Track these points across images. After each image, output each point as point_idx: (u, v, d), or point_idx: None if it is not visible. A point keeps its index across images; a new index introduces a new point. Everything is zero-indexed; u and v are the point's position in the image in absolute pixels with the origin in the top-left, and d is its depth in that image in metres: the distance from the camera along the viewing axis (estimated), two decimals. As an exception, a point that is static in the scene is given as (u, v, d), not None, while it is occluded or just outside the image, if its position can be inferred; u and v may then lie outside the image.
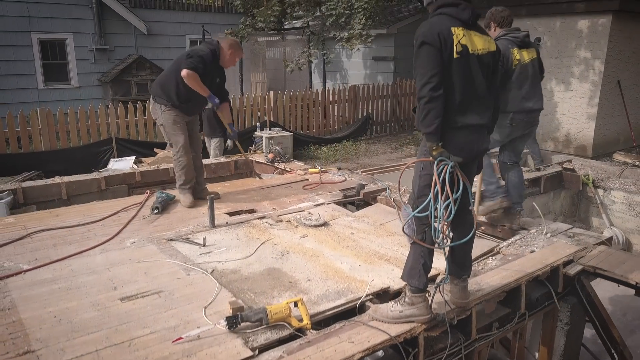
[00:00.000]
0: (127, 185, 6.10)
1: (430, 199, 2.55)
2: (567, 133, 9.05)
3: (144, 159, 8.43)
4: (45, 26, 12.35)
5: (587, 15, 8.43)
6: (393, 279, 3.30)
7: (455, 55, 2.50)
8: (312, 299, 2.99)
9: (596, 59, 8.46)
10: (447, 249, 2.75)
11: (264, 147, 9.46)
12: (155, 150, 8.71)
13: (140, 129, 8.98)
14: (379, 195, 5.14)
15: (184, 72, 4.26)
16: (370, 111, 11.94)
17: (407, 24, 12.76)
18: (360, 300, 2.99)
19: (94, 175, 5.89)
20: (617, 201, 6.31)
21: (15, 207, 5.38)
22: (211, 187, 5.26)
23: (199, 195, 4.92)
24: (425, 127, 2.53)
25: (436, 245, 2.67)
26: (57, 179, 5.68)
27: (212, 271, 3.32)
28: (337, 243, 3.87)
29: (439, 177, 2.54)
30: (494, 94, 2.74)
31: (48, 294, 3.00)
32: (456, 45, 2.50)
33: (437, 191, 2.53)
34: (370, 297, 3.06)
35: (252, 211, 4.60)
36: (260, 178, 5.69)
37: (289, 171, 6.20)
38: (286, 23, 9.79)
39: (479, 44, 2.60)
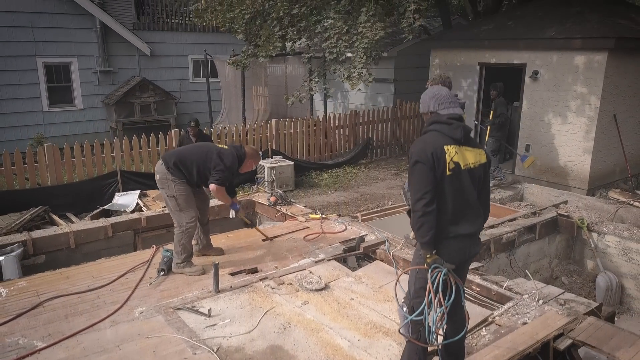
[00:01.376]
0: (133, 230, 6.29)
1: (425, 304, 2.72)
2: (564, 165, 9.20)
3: (148, 192, 8.62)
4: (50, 50, 12.52)
5: (583, 51, 8.57)
6: (390, 356, 3.46)
7: (447, 173, 2.66)
8: (312, 384, 3.15)
9: (592, 95, 8.60)
10: (440, 346, 2.91)
11: (266, 177, 9.64)
12: (159, 182, 8.88)
13: (144, 159, 9.13)
14: (378, 248, 5.30)
15: (213, 186, 4.55)
16: (370, 135, 12.09)
17: (408, 47, 12.89)
18: (358, 386, 3.15)
19: (101, 222, 6.07)
20: (610, 245, 6.46)
21: (25, 258, 5.57)
22: (215, 239, 5.42)
23: (204, 252, 5.09)
24: (420, 238, 2.69)
25: (429, 343, 2.84)
26: (65, 228, 5.87)
27: (218, 349, 3.48)
28: (337, 312, 4.03)
29: (433, 284, 2.70)
30: (484, 202, 2.90)
31: (62, 378, 3.17)
32: (448, 163, 2.66)
33: (432, 297, 2.70)
34: (368, 380, 3.22)
35: (254, 271, 4.76)
36: (250, 225, 5.60)
37: (290, 216, 6.36)
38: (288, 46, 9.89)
39: (470, 158, 2.76)
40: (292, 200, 6.86)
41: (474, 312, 4.06)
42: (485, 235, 5.76)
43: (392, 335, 3.71)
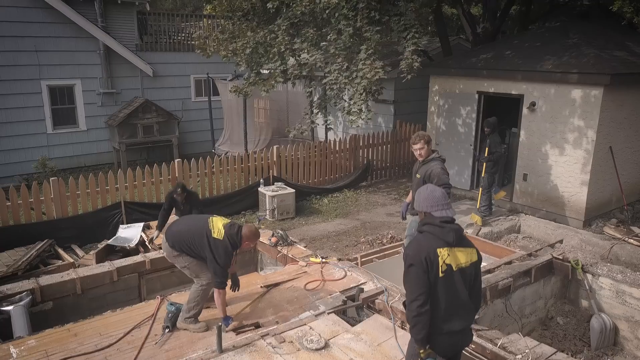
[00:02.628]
0: (138, 273, 6.45)
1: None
2: (561, 195, 9.33)
3: (151, 223, 8.76)
4: (55, 73, 12.69)
5: (580, 85, 8.70)
6: None
7: (440, 275, 2.81)
8: None
9: (589, 128, 8.74)
10: None
11: (267, 205, 9.80)
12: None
13: (147, 189, 9.28)
14: (377, 299, 5.45)
15: (215, 292, 4.74)
16: (370, 157, 12.24)
17: (408, 69, 13.04)
18: None
19: (107, 267, 6.22)
20: (604, 287, 6.60)
21: (33, 305, 5.72)
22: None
23: (208, 304, 5.24)
24: (414, 335, 2.84)
25: None
26: (72, 274, 6.02)
27: (221, 420, 3.63)
28: (336, 375, 4.18)
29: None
30: (475, 297, 3.05)
31: None
32: (441, 266, 2.81)
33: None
34: None
35: (256, 326, 4.91)
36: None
37: (291, 259, 6.51)
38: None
39: (462, 258, 2.91)
40: (292, 240, 7.00)
41: None
42: (482, 281, 5.91)
43: (389, 402, 3.86)
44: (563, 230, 8.21)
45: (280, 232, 6.96)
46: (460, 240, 2.92)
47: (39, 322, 5.76)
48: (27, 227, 8.05)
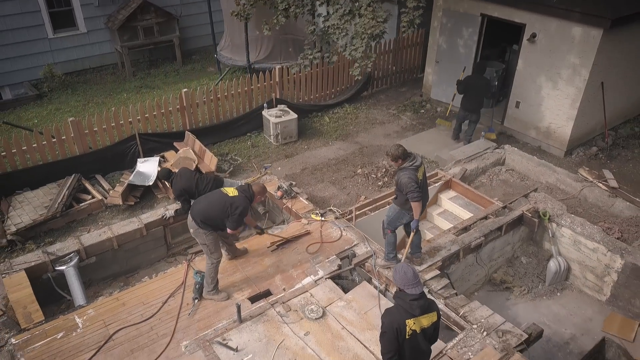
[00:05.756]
0: (163, 226, 7.49)
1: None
2: (548, 126, 9.90)
3: (166, 155, 9.56)
4: (47, -26, 12.23)
5: (581, 24, 8.69)
6: (366, 393, 4.94)
7: (407, 337, 3.79)
8: None
9: (583, 67, 8.95)
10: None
11: (271, 131, 10.45)
12: (175, 144, 9.77)
13: (159, 120, 9.85)
14: (367, 262, 6.55)
15: (229, 231, 5.69)
16: (371, 69, 12.40)
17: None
18: None
19: (136, 224, 7.24)
20: (565, 236, 7.63)
21: (81, 260, 6.86)
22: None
23: (233, 257, 6.51)
24: (384, 368, 3.93)
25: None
26: (108, 233, 7.07)
27: (245, 388, 4.95)
28: (331, 345, 5.43)
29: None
30: (433, 342, 4.06)
31: (143, 419, 4.68)
32: (408, 332, 3.77)
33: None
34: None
35: (267, 294, 6.07)
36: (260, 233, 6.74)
37: (294, 213, 7.47)
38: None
39: (425, 322, 3.86)
40: (296, 192, 7.87)
41: (434, 346, 5.44)
42: (457, 242, 6.94)
43: (370, 369, 5.15)
44: (542, 168, 8.98)
45: (285, 186, 7.80)
46: (424, 311, 3.83)
47: (87, 273, 7.01)
48: (54, 164, 8.86)
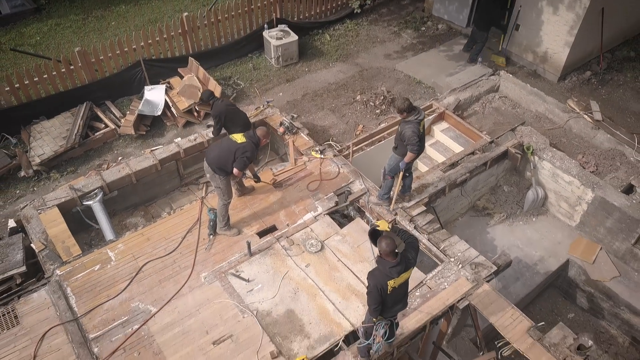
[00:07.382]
0: (175, 160, 8.13)
1: (372, 340, 5.03)
2: (545, 51, 10.03)
3: (171, 81, 9.90)
4: None
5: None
6: (356, 317, 5.98)
7: (388, 292, 4.63)
8: (311, 343, 5.75)
9: (585, -5, 8.91)
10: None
11: (272, 53, 10.62)
12: (179, 70, 10.04)
13: (162, 45, 10.01)
14: (361, 199, 7.30)
15: (235, 170, 6.29)
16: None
17: None
18: (337, 344, 5.76)
19: (151, 160, 7.87)
20: (545, 169, 8.27)
21: (105, 194, 7.63)
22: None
23: (242, 194, 7.30)
24: (371, 314, 4.84)
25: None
26: (127, 169, 7.74)
27: (257, 313, 5.98)
28: (328, 275, 6.38)
29: (380, 333, 4.96)
30: (406, 292, 4.91)
31: (173, 339, 5.75)
32: (389, 289, 4.61)
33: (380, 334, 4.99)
34: (342, 338, 5.80)
35: (273, 229, 6.91)
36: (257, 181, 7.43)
37: (296, 151, 8.05)
38: None
39: (402, 279, 4.68)
40: (297, 127, 8.37)
41: (415, 275, 6.38)
42: (444, 179, 7.63)
43: (361, 297, 6.14)
44: (533, 97, 9.35)
45: (286, 122, 8.28)
46: (400, 272, 4.61)
47: (110, 204, 7.81)
48: (65, 94, 9.27)
